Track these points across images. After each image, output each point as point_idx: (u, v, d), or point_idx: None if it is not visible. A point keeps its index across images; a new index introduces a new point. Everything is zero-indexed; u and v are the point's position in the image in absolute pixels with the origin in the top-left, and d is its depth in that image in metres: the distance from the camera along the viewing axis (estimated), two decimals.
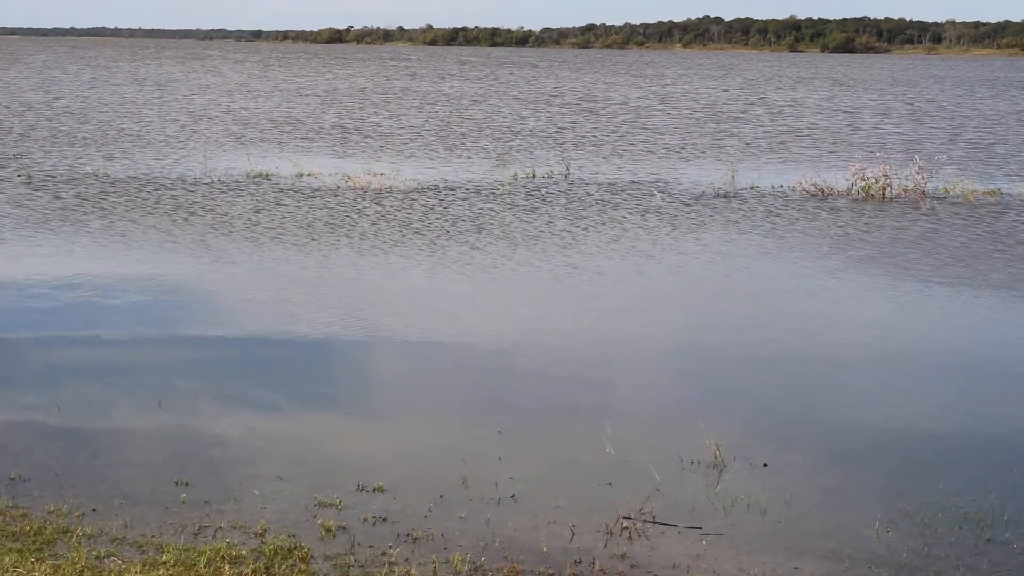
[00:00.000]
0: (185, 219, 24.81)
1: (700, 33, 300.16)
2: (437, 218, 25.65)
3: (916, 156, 33.59)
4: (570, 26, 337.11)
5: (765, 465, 11.56)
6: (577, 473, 11.29)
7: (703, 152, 41.82)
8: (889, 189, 30.17)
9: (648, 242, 23.35)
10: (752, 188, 31.22)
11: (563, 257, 21.62)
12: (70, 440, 11.89)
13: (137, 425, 12.45)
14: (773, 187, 31.53)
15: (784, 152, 42.71)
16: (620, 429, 12.22)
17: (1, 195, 27.73)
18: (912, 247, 23.38)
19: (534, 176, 32.86)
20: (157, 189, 29.05)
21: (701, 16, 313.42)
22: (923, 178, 30.66)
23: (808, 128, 53.39)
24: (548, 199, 28.85)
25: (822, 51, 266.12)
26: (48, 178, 30.63)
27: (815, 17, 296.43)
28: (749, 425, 12.91)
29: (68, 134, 43.27)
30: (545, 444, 12.16)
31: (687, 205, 28.25)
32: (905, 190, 30.35)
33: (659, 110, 64.41)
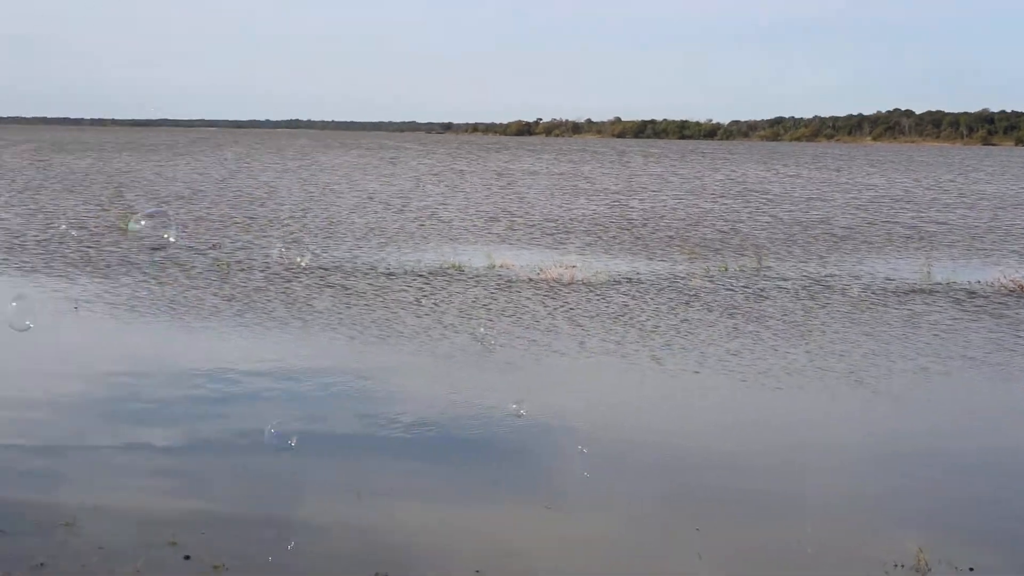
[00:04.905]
0: (366, 304, 25.24)
1: (891, 126, 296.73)
2: (630, 312, 25.67)
3: None
4: (759, 119, 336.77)
5: (971, 569, 11.24)
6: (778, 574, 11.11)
7: (892, 245, 41.13)
8: None
9: (849, 339, 23.00)
10: (949, 283, 30.58)
11: (757, 353, 21.41)
12: (274, 527, 12.04)
13: (335, 517, 12.57)
14: (970, 282, 30.83)
15: (974, 244, 41.76)
16: (818, 529, 12.01)
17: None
18: None
19: (726, 269, 32.71)
20: (365, 276, 29.65)
21: (891, 109, 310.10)
22: None
23: (992, 222, 52.17)
24: (745, 294, 28.66)
25: (1016, 144, 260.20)
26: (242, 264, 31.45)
27: (1008, 110, 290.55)
28: (952, 527, 12.56)
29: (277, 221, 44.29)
30: (743, 542, 11.99)
31: (886, 301, 27.78)
32: None
33: (847, 202, 63.59)
